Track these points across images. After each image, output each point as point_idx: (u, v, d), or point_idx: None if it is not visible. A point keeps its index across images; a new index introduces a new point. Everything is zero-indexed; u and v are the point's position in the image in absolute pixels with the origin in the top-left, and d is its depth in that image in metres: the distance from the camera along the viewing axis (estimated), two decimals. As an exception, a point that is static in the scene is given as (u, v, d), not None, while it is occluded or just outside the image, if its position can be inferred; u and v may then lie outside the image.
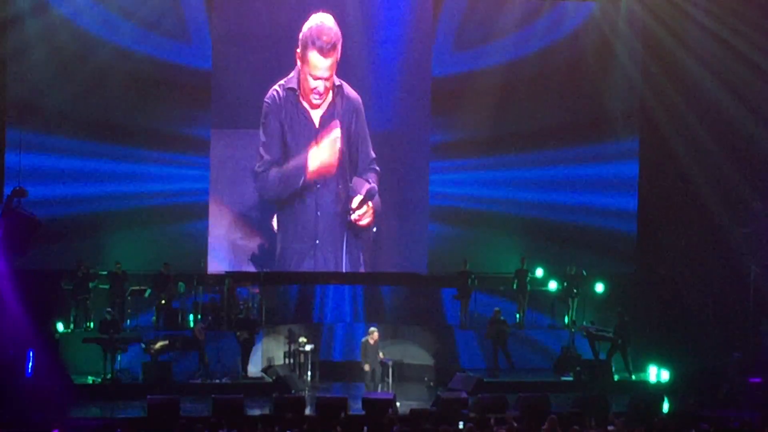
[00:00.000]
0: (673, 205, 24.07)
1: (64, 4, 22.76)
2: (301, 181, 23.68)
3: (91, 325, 21.82)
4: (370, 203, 23.92)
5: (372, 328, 20.96)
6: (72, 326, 21.91)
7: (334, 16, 23.57)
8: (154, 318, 22.46)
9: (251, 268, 23.52)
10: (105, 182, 23.02)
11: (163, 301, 22.31)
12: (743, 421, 15.48)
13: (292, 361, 22.02)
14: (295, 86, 23.62)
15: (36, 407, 17.37)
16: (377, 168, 24.02)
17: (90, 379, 20.50)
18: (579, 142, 24.54)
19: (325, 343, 22.99)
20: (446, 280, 23.77)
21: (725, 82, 23.16)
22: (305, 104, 23.73)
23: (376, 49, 24.15)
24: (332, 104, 23.87)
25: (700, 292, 23.43)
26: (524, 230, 24.27)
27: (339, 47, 23.54)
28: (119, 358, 20.55)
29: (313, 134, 23.79)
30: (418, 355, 22.87)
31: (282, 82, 23.59)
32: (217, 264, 23.56)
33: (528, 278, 23.53)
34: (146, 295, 22.20)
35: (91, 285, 21.95)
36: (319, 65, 23.50)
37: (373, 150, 23.99)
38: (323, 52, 23.41)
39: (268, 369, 21.63)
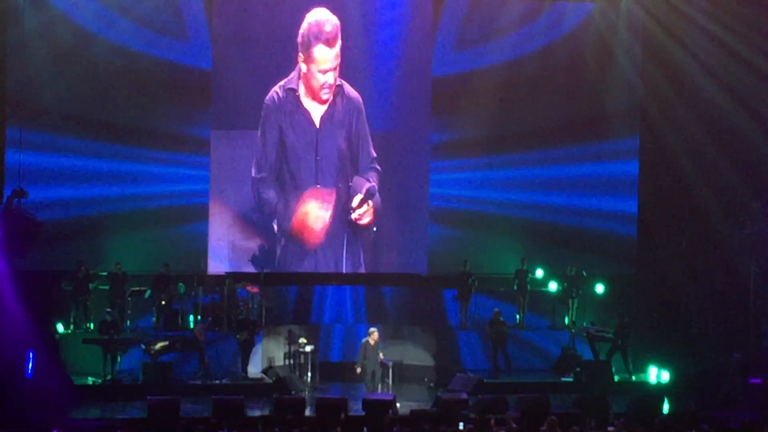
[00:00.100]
0: (673, 206, 24.05)
1: (63, 4, 22.78)
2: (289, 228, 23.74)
3: (92, 326, 21.83)
4: (370, 202, 23.91)
5: (372, 329, 20.89)
6: (72, 327, 21.93)
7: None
8: (154, 319, 22.45)
9: (251, 269, 23.52)
10: (105, 183, 23.05)
11: (163, 302, 22.30)
12: (743, 422, 15.49)
13: (292, 361, 21.98)
14: (296, 87, 23.63)
15: (36, 408, 17.40)
16: (378, 167, 24.02)
17: (90, 380, 20.49)
18: (579, 142, 24.52)
19: (324, 344, 22.98)
20: (446, 281, 23.76)
21: (723, 82, 23.12)
22: (306, 104, 23.73)
23: (376, 49, 24.14)
24: (333, 104, 23.88)
25: (700, 293, 23.42)
26: (524, 231, 24.26)
27: (340, 34, 23.59)
28: (119, 359, 20.56)
29: (314, 134, 23.81)
30: (418, 356, 22.84)
31: (282, 83, 23.60)
32: (217, 265, 23.57)
33: (528, 279, 23.54)
34: (146, 295, 22.21)
35: (91, 286, 21.98)
36: (327, 57, 23.52)
37: (374, 149, 24.04)
38: (329, 42, 23.48)
39: (268, 370, 21.60)
